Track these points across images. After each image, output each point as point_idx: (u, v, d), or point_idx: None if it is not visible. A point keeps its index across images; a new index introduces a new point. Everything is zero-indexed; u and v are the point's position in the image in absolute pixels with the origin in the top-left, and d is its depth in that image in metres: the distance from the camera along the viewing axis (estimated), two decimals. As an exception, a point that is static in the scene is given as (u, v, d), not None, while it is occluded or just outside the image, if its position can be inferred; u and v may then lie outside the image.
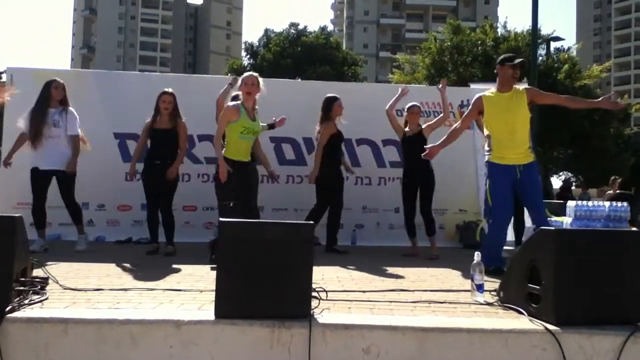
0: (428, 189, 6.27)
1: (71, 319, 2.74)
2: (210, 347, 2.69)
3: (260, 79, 5.35)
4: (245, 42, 39.37)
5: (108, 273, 4.26)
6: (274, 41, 35.88)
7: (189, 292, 3.48)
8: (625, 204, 7.14)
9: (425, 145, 6.25)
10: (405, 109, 6.61)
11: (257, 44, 37.72)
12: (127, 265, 4.74)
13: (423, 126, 6.43)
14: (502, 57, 5.07)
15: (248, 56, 37.97)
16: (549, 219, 7.58)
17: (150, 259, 5.36)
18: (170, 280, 3.96)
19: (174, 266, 4.70)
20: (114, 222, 7.34)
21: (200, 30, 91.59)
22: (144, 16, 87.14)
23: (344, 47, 49.03)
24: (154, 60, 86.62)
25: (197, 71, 78.56)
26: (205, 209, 7.07)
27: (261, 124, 5.48)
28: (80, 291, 3.41)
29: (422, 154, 5.12)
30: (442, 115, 6.58)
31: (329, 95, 6.51)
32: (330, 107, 6.38)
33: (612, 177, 10.82)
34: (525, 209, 5.34)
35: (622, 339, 2.68)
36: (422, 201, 6.29)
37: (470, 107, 5.03)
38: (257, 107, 5.44)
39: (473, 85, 8.92)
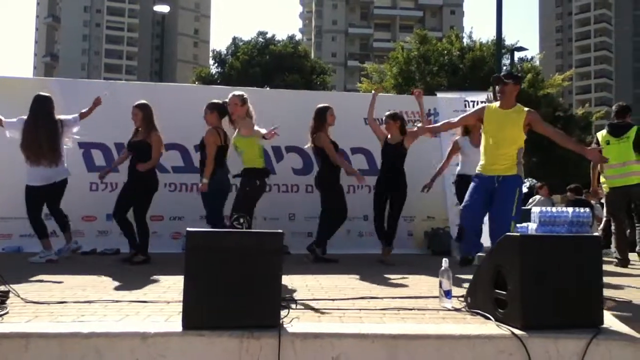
0: (399, 199, 6.33)
1: (33, 334, 2.66)
2: (178, 359, 2.64)
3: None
4: (213, 51, 39.17)
5: (72, 285, 4.15)
6: (242, 50, 35.77)
7: (156, 304, 3.42)
8: (587, 209, 7.30)
9: (404, 155, 6.39)
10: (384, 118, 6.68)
11: (225, 52, 37.56)
12: (92, 277, 4.62)
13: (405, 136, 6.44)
14: (515, 74, 5.17)
15: (216, 64, 37.76)
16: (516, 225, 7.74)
17: (115, 270, 5.24)
18: (136, 292, 3.89)
19: (141, 277, 4.61)
20: (78, 233, 7.16)
21: (167, 38, 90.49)
22: (109, 24, 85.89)
23: (312, 56, 49.23)
24: (120, 68, 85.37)
25: (163, 79, 77.58)
26: (173, 219, 6.98)
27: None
28: (43, 304, 3.31)
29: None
30: (421, 124, 6.63)
31: (321, 105, 6.49)
32: (324, 116, 6.38)
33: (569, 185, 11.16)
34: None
35: (586, 342, 2.73)
36: (392, 210, 6.34)
37: (473, 111, 5.12)
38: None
39: (440, 94, 9.06)
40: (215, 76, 35.85)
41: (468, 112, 5.21)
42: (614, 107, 7.04)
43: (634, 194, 6.36)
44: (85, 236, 7.12)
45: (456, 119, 5.28)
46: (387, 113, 6.65)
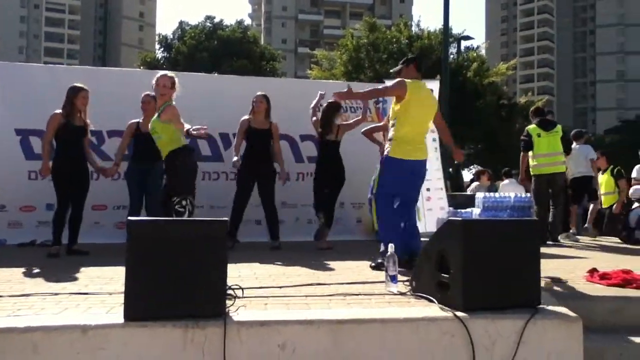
0: (338, 187, 6.47)
1: (-36, 330, 2.53)
2: (120, 351, 2.58)
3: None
4: (159, 35, 38.16)
5: (9, 278, 3.98)
6: (189, 34, 35.00)
7: (97, 295, 3.33)
8: (528, 194, 7.61)
9: (338, 145, 6.43)
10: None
11: (172, 36, 36.68)
12: (31, 269, 4.45)
13: (339, 125, 6.51)
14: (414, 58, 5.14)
15: (162, 49, 36.83)
16: (458, 210, 7.96)
17: (56, 261, 5.07)
18: (77, 284, 3.77)
19: (82, 269, 4.46)
20: (15, 224, 6.88)
21: (111, 21, 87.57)
22: (48, 5, 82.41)
23: (262, 42, 48.70)
24: (61, 52, 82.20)
25: (107, 64, 75.14)
26: (116, 208, 6.79)
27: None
28: (-25, 299, 3.17)
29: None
30: (359, 117, 6.69)
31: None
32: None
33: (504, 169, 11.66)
34: None
35: (524, 322, 2.83)
36: (329, 197, 6.48)
37: None
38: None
39: (388, 82, 9.12)
40: (162, 61, 34.97)
41: None
42: (546, 108, 8.36)
43: (557, 181, 7.28)
44: (24, 227, 6.85)
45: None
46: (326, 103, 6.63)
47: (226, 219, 2.91)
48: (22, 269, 4.41)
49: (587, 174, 8.45)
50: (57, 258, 5.32)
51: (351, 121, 6.74)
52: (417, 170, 4.74)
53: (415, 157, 4.68)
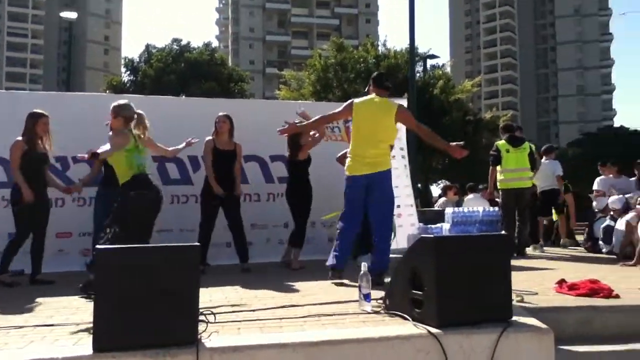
0: (307, 207, 6.55)
1: None
2: (88, 384, 2.50)
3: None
4: (125, 58, 37.81)
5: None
6: (156, 57, 34.77)
7: (64, 327, 3.22)
8: (496, 208, 7.73)
9: (306, 165, 6.50)
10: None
11: (138, 59, 36.39)
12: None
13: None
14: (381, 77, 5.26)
15: (128, 72, 36.48)
16: (429, 226, 8.05)
17: (17, 293, 4.90)
18: (41, 315, 3.64)
19: (46, 299, 4.32)
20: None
21: (75, 45, 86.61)
22: (10, 30, 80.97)
23: (229, 63, 48.75)
24: (23, 77, 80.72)
25: (71, 88, 74.11)
26: (82, 235, 6.62)
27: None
28: None
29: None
30: (317, 135, 6.70)
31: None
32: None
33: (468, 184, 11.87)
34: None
35: (497, 335, 2.85)
36: (300, 216, 6.56)
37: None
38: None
39: (357, 100, 9.21)
40: (128, 84, 34.65)
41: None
42: (515, 125, 8.50)
43: (523, 195, 7.46)
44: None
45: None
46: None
47: (198, 244, 2.86)
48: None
49: (555, 187, 8.75)
50: (11, 287, 5.16)
51: (310, 139, 6.67)
52: (365, 184, 4.85)
53: (361, 172, 4.83)
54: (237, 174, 6.48)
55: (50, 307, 3.96)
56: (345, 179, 4.97)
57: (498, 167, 7.62)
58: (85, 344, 2.73)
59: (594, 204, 8.35)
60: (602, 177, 9.07)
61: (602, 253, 7.33)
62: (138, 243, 3.84)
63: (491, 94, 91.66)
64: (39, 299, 4.31)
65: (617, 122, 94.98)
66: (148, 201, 4.66)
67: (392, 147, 5.30)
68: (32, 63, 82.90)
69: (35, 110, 5.62)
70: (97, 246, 2.82)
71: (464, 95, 28.45)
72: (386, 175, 4.91)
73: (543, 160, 8.73)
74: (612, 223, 7.26)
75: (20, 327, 3.23)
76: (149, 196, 4.67)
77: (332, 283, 4.82)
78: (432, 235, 3.56)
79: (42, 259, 5.59)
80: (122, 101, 5.09)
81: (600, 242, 7.38)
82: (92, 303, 2.66)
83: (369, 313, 3.39)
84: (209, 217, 6.28)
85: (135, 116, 4.84)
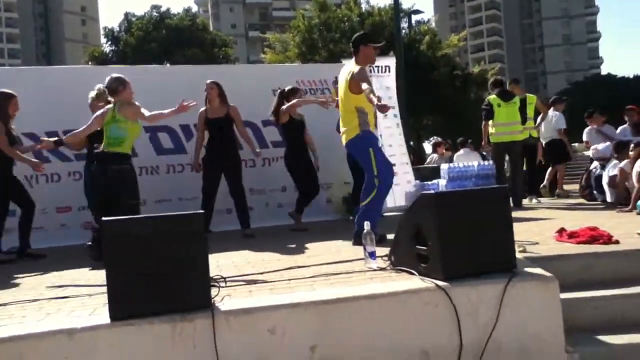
0: (302, 170, 6.60)
1: (-57, 346, 2.46)
2: (109, 351, 2.56)
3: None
4: (105, 28, 36.97)
5: (-22, 290, 3.86)
6: (136, 25, 34.07)
7: (77, 298, 3.27)
8: (490, 162, 7.80)
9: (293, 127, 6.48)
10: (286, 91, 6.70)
11: (118, 29, 35.63)
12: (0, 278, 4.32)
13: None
14: (366, 36, 5.11)
15: (109, 42, 35.75)
16: (425, 183, 8.12)
17: (27, 267, 4.92)
18: (54, 289, 3.68)
19: (55, 273, 4.37)
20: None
21: (51, 17, 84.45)
22: (-18, 4, 78.77)
23: (211, 28, 47.85)
24: (1, 52, 78.87)
25: (52, 62, 72.66)
26: (82, 209, 6.63)
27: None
28: (-51, 314, 3.06)
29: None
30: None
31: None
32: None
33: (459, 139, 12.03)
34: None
35: (503, 285, 2.92)
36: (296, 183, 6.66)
37: (365, 75, 4.81)
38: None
39: (345, 61, 9.13)
40: (110, 55, 34.01)
41: (367, 77, 4.84)
42: (508, 80, 8.72)
43: (514, 148, 7.62)
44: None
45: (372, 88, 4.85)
46: (288, 88, 6.69)
47: (202, 211, 2.89)
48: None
49: (555, 138, 8.92)
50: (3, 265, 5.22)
51: (293, 100, 6.63)
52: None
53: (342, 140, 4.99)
54: (244, 137, 6.42)
55: (61, 280, 4.00)
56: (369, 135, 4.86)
57: (490, 122, 7.67)
58: (101, 314, 2.78)
59: (591, 152, 8.46)
60: (590, 127, 9.20)
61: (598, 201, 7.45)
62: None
63: (477, 47, 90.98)
64: (49, 273, 4.35)
65: (604, 69, 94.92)
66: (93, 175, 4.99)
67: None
68: (9, 37, 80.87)
69: (5, 91, 5.55)
70: (103, 218, 2.82)
71: (450, 50, 28.21)
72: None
73: (550, 111, 8.91)
74: (602, 172, 7.37)
75: (35, 300, 3.27)
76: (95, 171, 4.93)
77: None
78: (433, 192, 3.59)
79: (30, 233, 5.59)
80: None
81: (595, 192, 7.49)
82: (103, 274, 2.69)
83: (375, 270, 3.45)
84: (209, 184, 6.28)
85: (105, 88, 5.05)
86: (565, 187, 9.45)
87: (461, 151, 10.78)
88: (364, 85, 4.65)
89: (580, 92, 40.57)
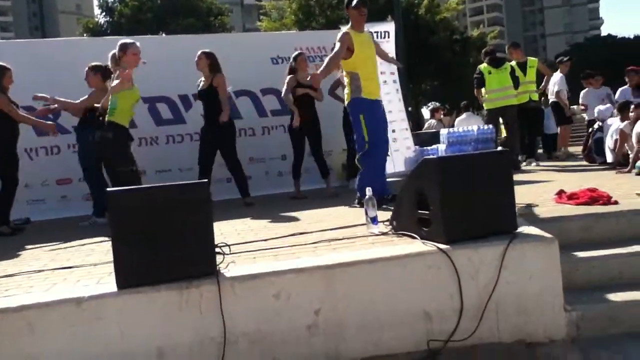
0: (317, 136, 6.53)
1: (-46, 316, 2.50)
2: (117, 319, 2.60)
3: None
4: (99, -1, 36.37)
5: (-16, 262, 3.90)
6: (131, -5, 33.47)
7: (82, 268, 3.31)
8: (490, 126, 7.79)
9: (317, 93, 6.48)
10: (292, 58, 6.66)
11: (112, -1, 35.05)
12: (4, 249, 4.37)
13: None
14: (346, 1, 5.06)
15: (104, 13, 35.19)
16: (424, 148, 8.15)
17: (30, 240, 4.96)
18: (58, 259, 3.73)
19: (58, 244, 4.42)
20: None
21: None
22: (-29, -24, 77.30)
23: (206, -4, 47.00)
24: (-7, 25, 77.85)
25: (46, 34, 71.70)
26: (81, 180, 6.65)
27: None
28: (-42, 285, 3.11)
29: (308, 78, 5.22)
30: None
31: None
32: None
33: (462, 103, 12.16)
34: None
35: (503, 247, 2.95)
36: (313, 147, 6.61)
37: (341, 42, 4.83)
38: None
39: (344, 28, 9.02)
40: (105, 26, 33.54)
41: (340, 46, 4.81)
42: (507, 45, 9.06)
43: (508, 112, 7.82)
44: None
45: (335, 55, 4.87)
46: (294, 54, 6.67)
47: (206, 180, 2.90)
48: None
49: (555, 100, 9.02)
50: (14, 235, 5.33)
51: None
52: None
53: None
54: (223, 106, 6.12)
55: (63, 251, 4.04)
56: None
57: (483, 89, 7.91)
58: (107, 282, 2.82)
59: (596, 113, 8.48)
60: (587, 89, 9.25)
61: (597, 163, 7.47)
62: None
63: (476, 10, 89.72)
64: (51, 244, 4.39)
65: (605, 30, 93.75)
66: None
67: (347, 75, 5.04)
68: (0, 10, 79.67)
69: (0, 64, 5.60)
70: (108, 189, 2.84)
71: (449, 13, 27.79)
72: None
73: (556, 73, 9.16)
74: (601, 134, 7.38)
75: (40, 270, 3.32)
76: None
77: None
78: (435, 156, 3.60)
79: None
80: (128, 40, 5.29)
81: (594, 154, 7.50)
82: (105, 244, 2.73)
83: (377, 235, 3.48)
84: (202, 157, 6.22)
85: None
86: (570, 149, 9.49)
87: (463, 115, 10.77)
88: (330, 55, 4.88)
89: (579, 54, 40.15)
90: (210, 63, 6.17)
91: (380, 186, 4.67)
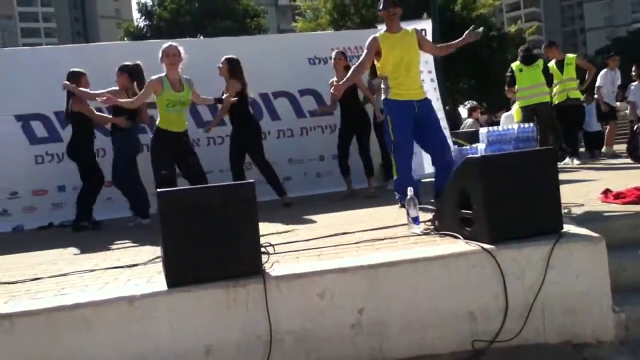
0: (365, 133, 6.59)
1: (15, 313, 2.62)
2: (168, 317, 2.68)
3: (181, 48, 5.41)
4: (139, 3, 37.19)
5: (39, 261, 4.07)
6: (169, -1, 34.15)
7: (132, 268, 3.42)
8: (532, 124, 7.67)
9: (356, 90, 6.51)
10: (332, 57, 6.73)
11: (152, 3, 35.80)
12: (58, 250, 4.54)
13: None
14: (381, 1, 5.06)
15: (143, 17, 35.98)
16: (464, 147, 8.06)
17: (79, 240, 5.15)
18: (108, 259, 3.86)
19: (107, 245, 4.56)
20: (30, 209, 6.95)
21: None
22: (14, -16, 79.92)
23: (241, -2, 47.54)
24: (38, 31, 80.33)
25: (89, 39, 73.72)
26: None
27: (208, 97, 5.80)
28: (16, 283, 3.25)
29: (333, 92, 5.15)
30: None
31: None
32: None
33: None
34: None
35: (550, 247, 2.92)
36: (361, 144, 6.66)
37: (368, 47, 4.94)
38: (185, 76, 5.55)
39: (380, 27, 9.01)
40: (144, 30, 34.29)
41: (366, 53, 4.94)
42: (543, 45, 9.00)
43: (540, 110, 7.72)
44: (38, 211, 6.93)
45: (360, 62, 5.03)
46: (335, 52, 6.72)
47: (253, 181, 2.96)
48: (49, 251, 4.50)
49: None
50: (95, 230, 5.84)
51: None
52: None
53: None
54: (222, 109, 6.37)
55: (114, 251, 4.18)
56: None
57: (514, 87, 7.96)
58: (157, 281, 2.91)
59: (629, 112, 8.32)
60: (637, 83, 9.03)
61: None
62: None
63: (512, 6, 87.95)
64: (100, 245, 4.54)
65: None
66: None
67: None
68: (44, 16, 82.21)
69: (75, 70, 6.01)
70: (158, 190, 2.93)
71: (485, 9, 27.38)
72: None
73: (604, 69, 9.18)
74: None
75: (92, 270, 3.44)
76: None
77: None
78: (477, 156, 3.58)
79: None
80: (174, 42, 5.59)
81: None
82: (151, 245, 2.81)
83: (419, 235, 3.48)
84: (233, 160, 6.37)
85: None
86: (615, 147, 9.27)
87: (508, 112, 10.64)
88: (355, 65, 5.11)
89: (621, 48, 38.99)
90: (230, 69, 6.24)
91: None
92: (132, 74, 5.90)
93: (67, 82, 5.84)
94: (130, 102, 5.57)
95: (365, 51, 4.97)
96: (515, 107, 9.50)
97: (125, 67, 5.99)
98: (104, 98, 5.45)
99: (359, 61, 5.07)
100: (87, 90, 5.87)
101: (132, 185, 5.89)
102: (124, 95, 5.80)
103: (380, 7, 4.97)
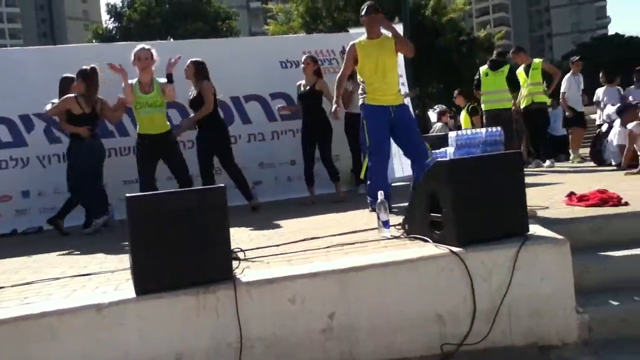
0: (326, 140, 6.52)
1: (-22, 323, 2.55)
2: (137, 324, 2.65)
3: (154, 50, 5.46)
4: (108, 4, 36.68)
5: (2, 270, 3.97)
6: (139, 0, 33.73)
7: (100, 275, 3.37)
8: (499, 128, 7.79)
9: (320, 97, 6.52)
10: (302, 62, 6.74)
11: (121, 4, 35.33)
12: (21, 258, 4.43)
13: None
14: (362, 7, 5.12)
15: (112, 19, 35.48)
16: (432, 151, 8.15)
17: (43, 248, 5.02)
18: (75, 266, 3.79)
19: (75, 252, 4.48)
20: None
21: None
22: (-22, -17, 78.09)
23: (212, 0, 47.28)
24: (2, 33, 78.49)
25: (55, 41, 72.27)
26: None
27: (161, 80, 5.57)
28: (-22, 293, 3.16)
29: (332, 117, 5.41)
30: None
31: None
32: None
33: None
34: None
35: (515, 250, 2.98)
36: (322, 151, 6.59)
37: (347, 55, 5.10)
38: (161, 79, 5.58)
39: (352, 30, 9.06)
40: (113, 32, 33.81)
41: (345, 61, 5.14)
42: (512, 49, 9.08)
43: (503, 116, 7.82)
44: (2, 217, 6.74)
45: (342, 71, 5.22)
46: (304, 56, 6.72)
47: (223, 185, 2.94)
48: (12, 259, 4.38)
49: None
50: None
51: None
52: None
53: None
54: (198, 112, 6.27)
55: (81, 259, 4.10)
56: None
57: (480, 91, 8.19)
58: (125, 289, 2.87)
59: (598, 116, 8.53)
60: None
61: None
62: None
63: (482, 11, 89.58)
64: (65, 252, 4.46)
65: (612, 29, 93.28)
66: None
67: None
68: (9, 17, 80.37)
69: (68, 75, 5.95)
70: (127, 195, 2.89)
71: (456, 14, 27.78)
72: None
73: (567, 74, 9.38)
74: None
75: (58, 278, 3.37)
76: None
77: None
78: (446, 159, 3.63)
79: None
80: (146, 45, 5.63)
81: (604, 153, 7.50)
82: (121, 251, 2.78)
83: (389, 239, 3.51)
84: (201, 165, 6.29)
85: None
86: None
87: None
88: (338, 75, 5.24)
89: (587, 54, 39.98)
90: (196, 72, 6.16)
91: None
92: (85, 79, 5.71)
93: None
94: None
95: (345, 59, 5.16)
96: (463, 114, 9.82)
97: (79, 71, 5.77)
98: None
99: (340, 72, 5.26)
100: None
101: (86, 193, 5.73)
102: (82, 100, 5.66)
103: (362, 13, 5.01)
